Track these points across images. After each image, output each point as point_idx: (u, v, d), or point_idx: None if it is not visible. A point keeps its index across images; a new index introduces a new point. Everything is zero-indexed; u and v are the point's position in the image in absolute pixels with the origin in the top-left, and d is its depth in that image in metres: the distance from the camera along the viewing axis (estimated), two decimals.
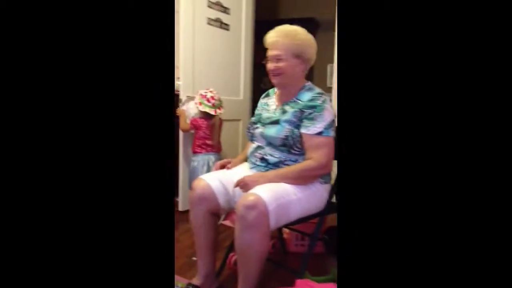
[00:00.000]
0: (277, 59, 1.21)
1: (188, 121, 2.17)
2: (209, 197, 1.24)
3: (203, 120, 2.11)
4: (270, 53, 1.24)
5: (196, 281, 1.31)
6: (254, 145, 1.33)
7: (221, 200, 1.25)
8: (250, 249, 1.06)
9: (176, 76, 2.79)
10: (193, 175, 2.09)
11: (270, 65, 1.25)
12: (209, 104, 2.07)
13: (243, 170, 1.32)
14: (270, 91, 1.48)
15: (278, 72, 1.22)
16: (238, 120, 2.71)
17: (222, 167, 1.40)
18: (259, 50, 3.16)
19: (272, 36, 1.24)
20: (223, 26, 2.48)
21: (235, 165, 1.40)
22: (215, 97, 2.11)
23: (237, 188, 1.20)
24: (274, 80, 1.26)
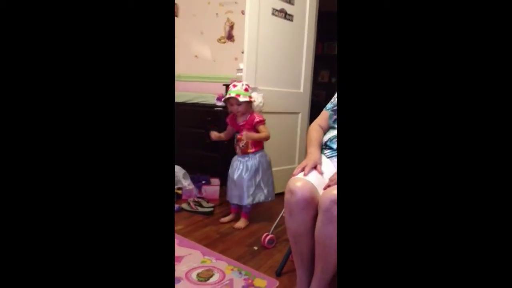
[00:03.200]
0: None
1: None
2: (316, 199, 1.10)
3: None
4: None
5: None
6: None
7: None
8: (332, 242, 1.02)
9: (236, 68, 2.84)
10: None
11: None
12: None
13: (327, 166, 1.24)
14: None
15: None
16: (297, 113, 2.67)
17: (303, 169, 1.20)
18: (319, 42, 3.09)
19: None
20: (287, 17, 2.45)
21: (320, 163, 1.22)
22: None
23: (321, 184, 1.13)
24: None
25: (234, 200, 1.98)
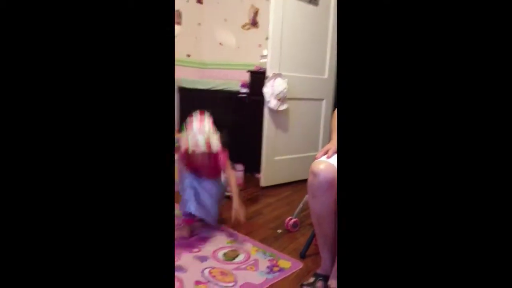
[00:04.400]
0: None
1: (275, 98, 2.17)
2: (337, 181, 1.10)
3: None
4: None
5: (322, 271, 1.25)
6: None
7: None
8: None
9: (260, 54, 2.84)
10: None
11: None
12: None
13: None
14: None
15: None
16: (321, 99, 2.65)
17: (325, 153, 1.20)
18: None
19: None
20: (312, 1, 2.42)
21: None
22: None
23: None
24: None
25: (200, 213, 1.53)
